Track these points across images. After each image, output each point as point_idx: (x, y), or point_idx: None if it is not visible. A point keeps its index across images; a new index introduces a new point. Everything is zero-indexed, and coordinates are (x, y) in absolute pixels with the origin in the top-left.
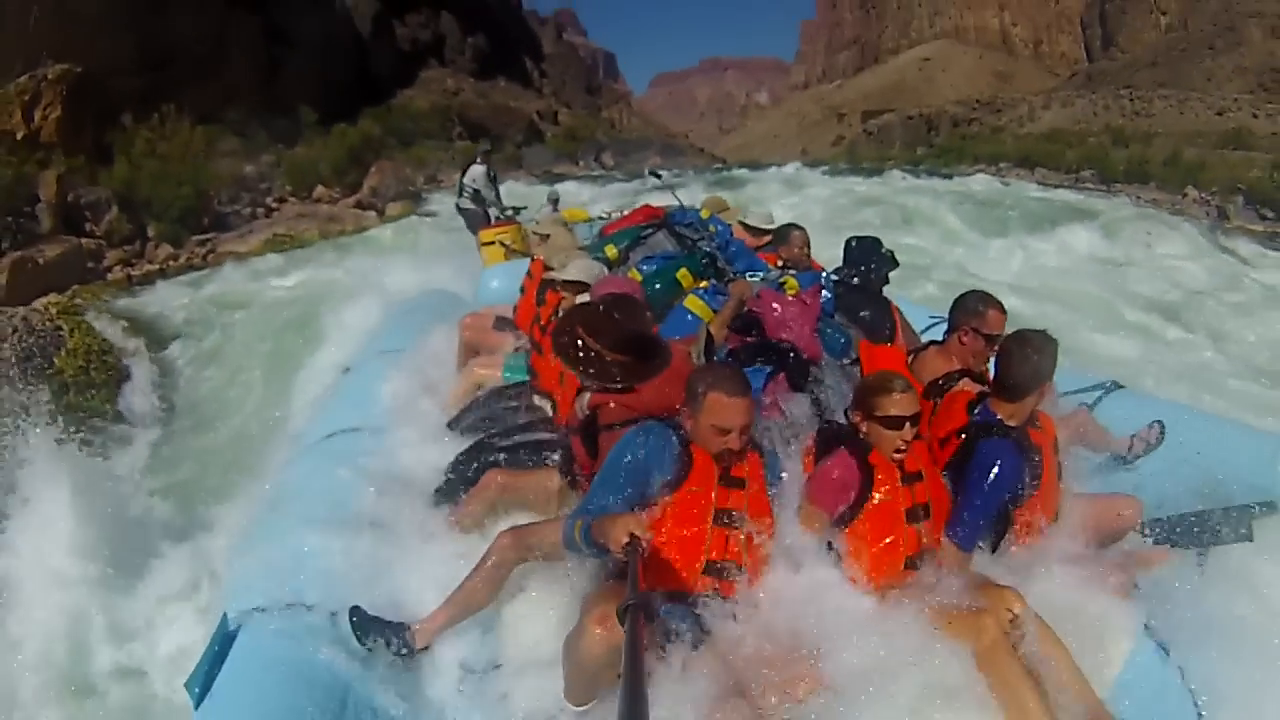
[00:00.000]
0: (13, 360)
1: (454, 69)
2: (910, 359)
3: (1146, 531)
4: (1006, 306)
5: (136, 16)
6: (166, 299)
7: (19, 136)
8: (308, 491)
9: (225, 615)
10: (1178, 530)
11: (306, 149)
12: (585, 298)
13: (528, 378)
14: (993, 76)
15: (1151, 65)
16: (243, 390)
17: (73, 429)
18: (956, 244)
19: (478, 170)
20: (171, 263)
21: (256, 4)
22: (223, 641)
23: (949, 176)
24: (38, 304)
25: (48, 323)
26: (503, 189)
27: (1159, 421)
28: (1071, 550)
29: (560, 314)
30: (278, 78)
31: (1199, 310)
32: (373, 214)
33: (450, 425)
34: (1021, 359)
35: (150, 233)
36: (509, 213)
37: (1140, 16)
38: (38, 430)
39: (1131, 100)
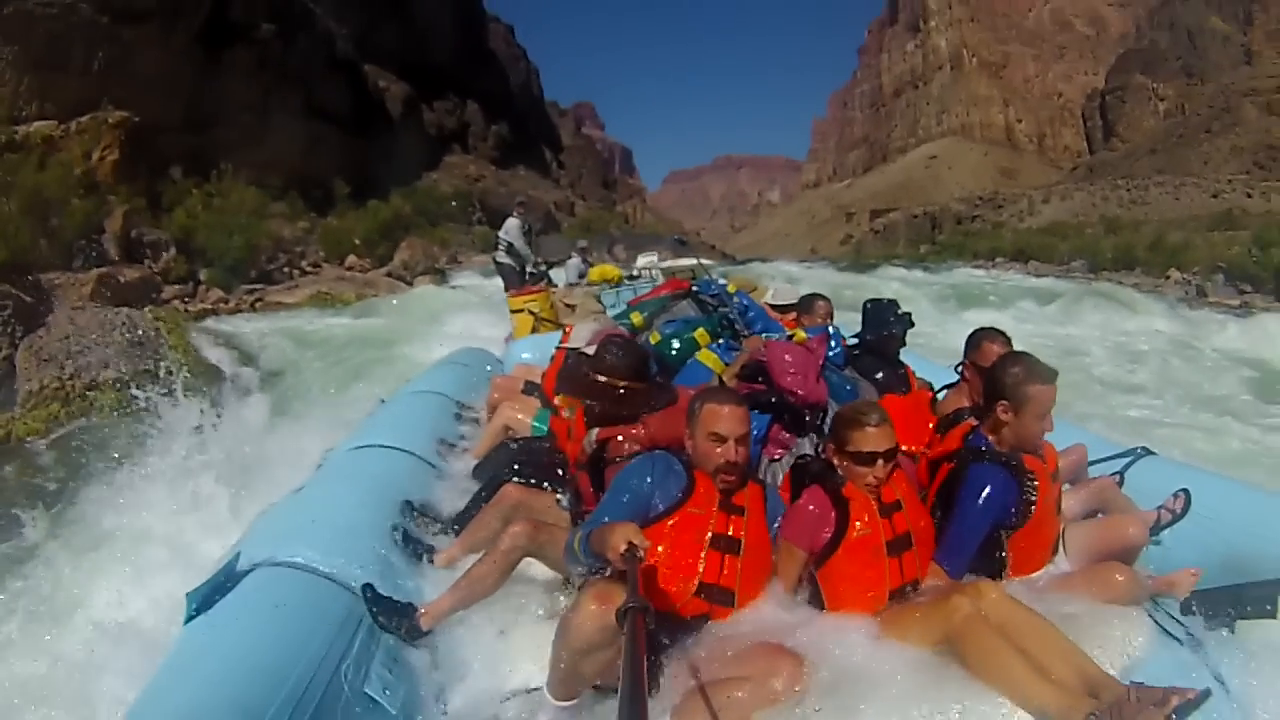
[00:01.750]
0: (126, 344)
1: (476, 155)
2: (934, 403)
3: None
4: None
5: (190, 78)
6: (236, 327)
7: (77, 172)
8: (333, 485)
9: (238, 554)
10: (1202, 604)
11: (339, 220)
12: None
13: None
14: (998, 172)
15: (1151, 153)
16: (311, 402)
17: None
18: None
19: (512, 224)
20: (222, 305)
21: (300, 81)
22: (229, 574)
23: (934, 270)
24: (130, 310)
25: (148, 322)
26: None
27: (1184, 490)
28: (1075, 568)
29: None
30: (315, 151)
31: (1137, 374)
32: (403, 284)
33: (475, 470)
34: (999, 367)
35: (202, 277)
36: (542, 268)
37: (1139, 105)
38: (165, 390)
39: (1128, 190)
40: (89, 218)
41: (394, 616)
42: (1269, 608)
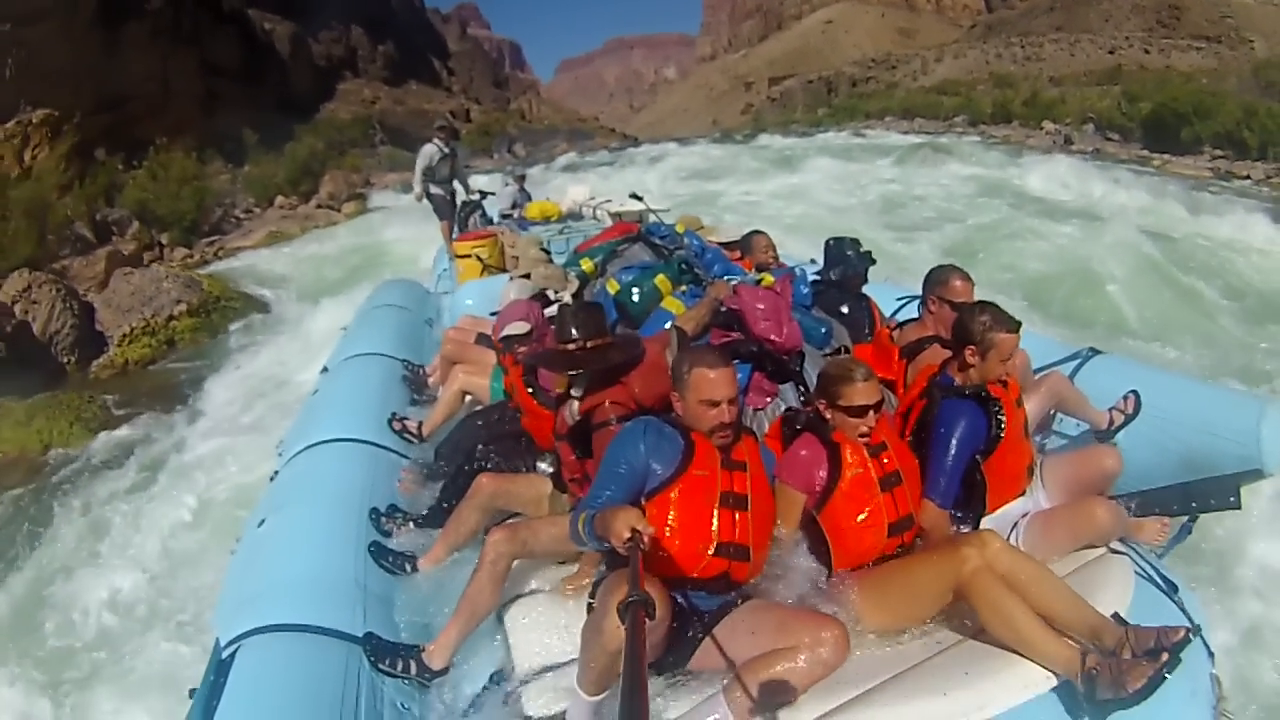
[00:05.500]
0: (181, 288)
1: (368, 79)
2: (894, 334)
3: (1133, 506)
4: (778, 220)
5: (94, 62)
6: (228, 267)
7: (14, 175)
8: (293, 511)
9: (218, 642)
10: (1163, 501)
11: (256, 167)
12: (521, 325)
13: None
14: (896, 33)
15: (1049, 11)
16: (324, 310)
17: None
18: (762, 185)
19: (424, 150)
20: (190, 259)
21: (193, 42)
22: (218, 670)
23: (811, 135)
24: (160, 266)
25: (182, 273)
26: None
27: (1134, 391)
28: (1053, 499)
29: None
30: (217, 106)
31: (955, 210)
32: (335, 212)
33: (438, 451)
34: (969, 315)
35: (163, 240)
36: (475, 196)
37: None
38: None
39: (1022, 46)
40: (74, 210)
41: (399, 661)
42: (1232, 499)
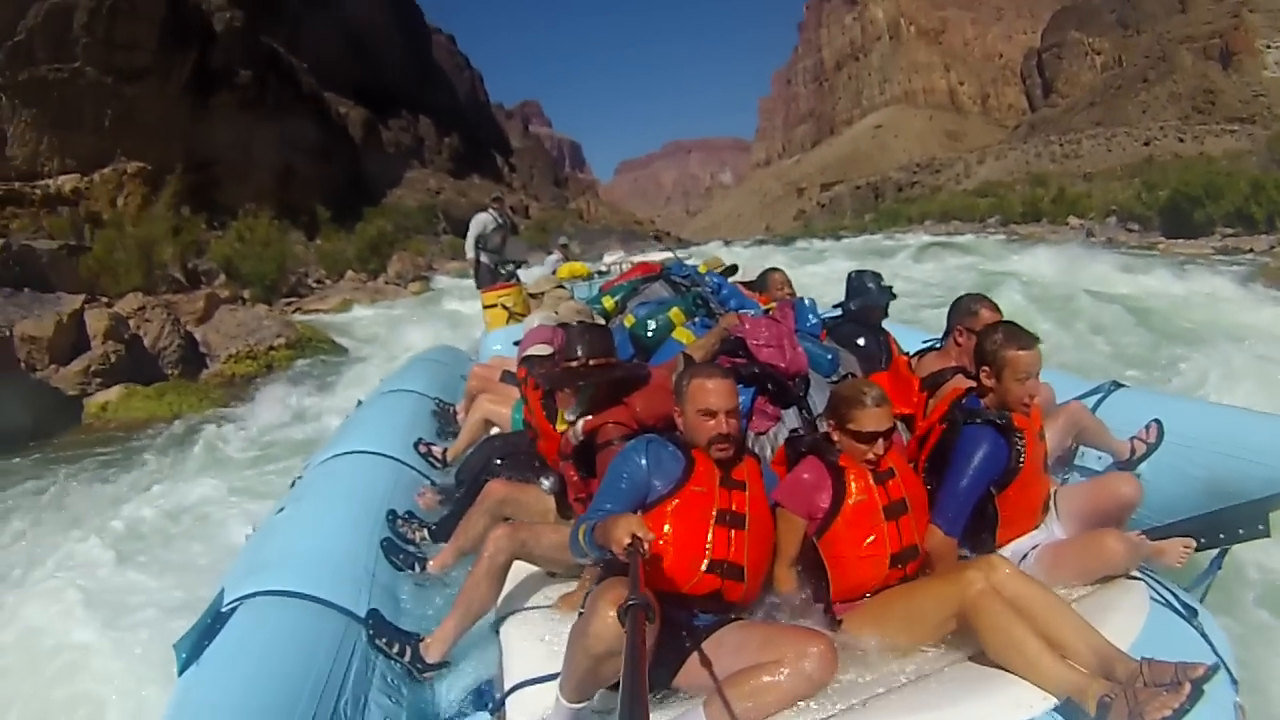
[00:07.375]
0: (280, 325)
1: (434, 169)
2: (912, 363)
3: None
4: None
5: (184, 124)
6: (318, 321)
7: (105, 217)
8: (314, 502)
9: (222, 591)
10: (1189, 533)
11: (328, 241)
12: (544, 348)
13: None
14: (944, 136)
15: (1090, 106)
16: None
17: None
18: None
19: (477, 219)
20: (269, 315)
21: (275, 118)
22: (215, 616)
23: (840, 239)
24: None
25: (276, 315)
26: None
27: (1156, 420)
28: (1068, 531)
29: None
30: (293, 180)
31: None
32: (400, 289)
33: (459, 470)
34: (983, 336)
35: (245, 295)
36: (509, 267)
37: (1076, 60)
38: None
39: (1060, 144)
40: (170, 256)
41: (397, 645)
42: (1261, 527)
